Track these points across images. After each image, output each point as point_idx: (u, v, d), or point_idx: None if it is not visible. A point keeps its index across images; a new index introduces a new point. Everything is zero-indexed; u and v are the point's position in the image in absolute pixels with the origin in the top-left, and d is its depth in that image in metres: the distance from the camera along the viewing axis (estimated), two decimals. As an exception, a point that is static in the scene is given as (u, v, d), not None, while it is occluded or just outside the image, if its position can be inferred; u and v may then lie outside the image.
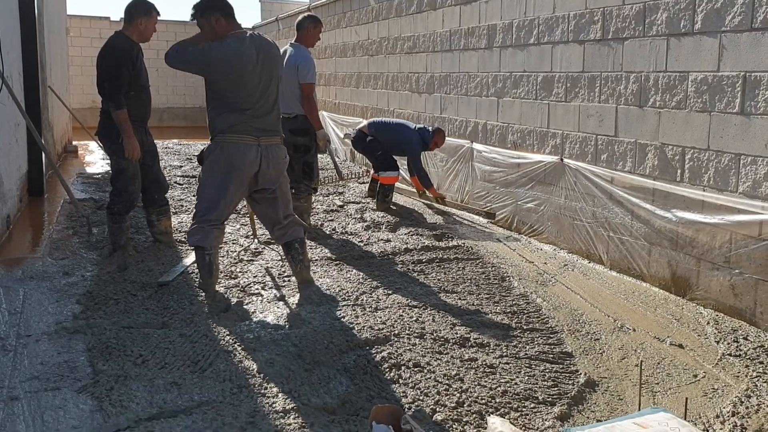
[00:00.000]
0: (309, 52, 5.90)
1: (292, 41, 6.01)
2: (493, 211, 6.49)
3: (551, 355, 3.49)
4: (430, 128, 7.02)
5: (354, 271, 4.83)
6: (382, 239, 5.72)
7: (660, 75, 4.49)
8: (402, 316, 3.93)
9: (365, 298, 4.24)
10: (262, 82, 3.97)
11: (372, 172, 7.55)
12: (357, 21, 10.37)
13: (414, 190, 7.66)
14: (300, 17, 6.05)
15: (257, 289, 4.39)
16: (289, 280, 4.56)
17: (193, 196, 7.41)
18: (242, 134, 3.96)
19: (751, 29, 3.83)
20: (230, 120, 3.96)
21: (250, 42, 3.95)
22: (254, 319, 3.86)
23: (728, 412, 2.95)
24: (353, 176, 8.68)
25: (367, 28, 9.97)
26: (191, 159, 10.57)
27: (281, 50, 6.00)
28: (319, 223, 6.27)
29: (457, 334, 3.67)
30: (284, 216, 4.24)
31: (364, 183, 8.37)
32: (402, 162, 7.42)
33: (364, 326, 3.73)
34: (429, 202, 7.32)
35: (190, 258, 4.91)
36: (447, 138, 7.19)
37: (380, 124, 7.17)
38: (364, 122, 7.37)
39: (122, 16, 5.09)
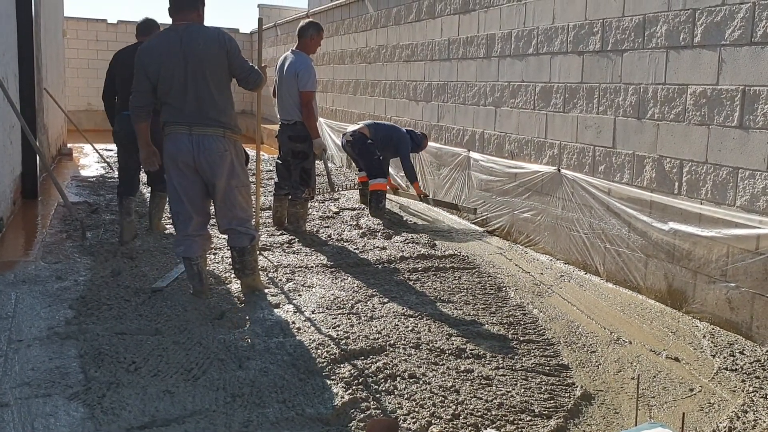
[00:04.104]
0: (310, 60, 5.89)
1: (294, 48, 5.99)
2: (473, 208, 6.73)
3: (547, 368, 3.47)
4: (417, 132, 7.44)
5: (349, 279, 4.80)
6: (377, 247, 5.70)
7: (659, 87, 4.49)
8: (397, 325, 3.90)
9: (360, 307, 4.21)
10: (188, 73, 3.94)
11: (359, 174, 7.63)
12: (355, 28, 10.37)
13: (413, 193, 7.65)
14: (302, 24, 6.02)
15: (251, 296, 4.35)
16: (283, 287, 4.54)
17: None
18: (175, 125, 4.00)
19: (751, 43, 3.84)
20: (166, 113, 4.04)
21: (173, 36, 3.96)
22: (248, 327, 3.83)
23: (725, 428, 2.94)
24: (348, 185, 8.65)
25: (365, 36, 9.97)
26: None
27: (282, 57, 6.01)
28: (315, 229, 6.25)
29: (453, 344, 3.65)
30: (227, 222, 4.19)
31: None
32: (398, 169, 7.49)
33: (359, 336, 3.71)
34: (412, 199, 7.55)
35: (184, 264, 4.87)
36: (443, 146, 7.33)
37: (377, 126, 7.37)
38: (358, 125, 7.39)
39: (135, 25, 5.80)
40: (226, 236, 4.38)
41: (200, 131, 3.96)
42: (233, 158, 4.06)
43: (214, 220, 4.32)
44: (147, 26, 5.57)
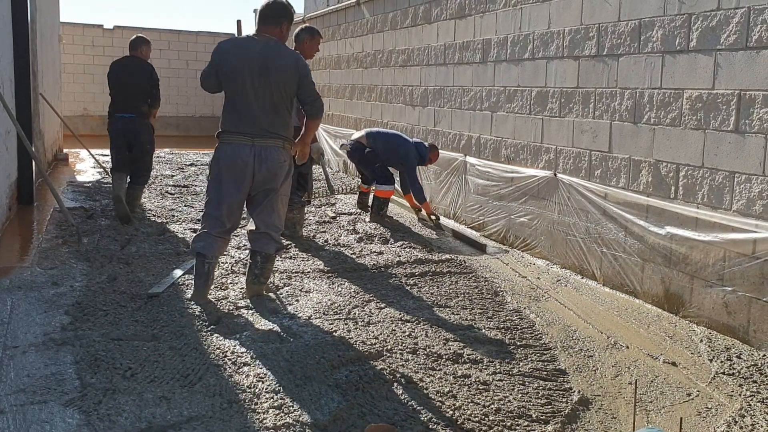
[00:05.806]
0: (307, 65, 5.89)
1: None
2: (485, 245, 6.10)
3: (545, 372, 3.46)
4: (425, 143, 7.07)
5: (346, 283, 4.79)
6: (374, 251, 5.70)
7: (655, 92, 4.50)
8: (395, 330, 3.90)
9: (357, 312, 4.20)
10: (259, 83, 4.04)
11: (360, 184, 7.55)
12: (352, 33, 10.39)
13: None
14: (297, 29, 6.05)
15: (248, 301, 4.34)
16: (280, 293, 4.53)
17: (185, 206, 7.38)
18: (236, 134, 4.09)
19: (746, 48, 3.85)
20: (227, 118, 4.14)
21: (256, 45, 4.09)
22: (245, 333, 3.81)
23: (722, 432, 2.94)
24: (345, 190, 8.66)
25: (361, 41, 9.98)
26: (183, 168, 10.53)
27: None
28: (312, 234, 6.24)
29: (450, 349, 3.65)
30: (265, 225, 4.25)
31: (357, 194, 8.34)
32: (397, 177, 7.35)
33: (356, 341, 3.70)
34: (424, 220, 7.14)
35: (180, 269, 4.87)
36: (440, 151, 7.23)
37: (378, 135, 7.12)
38: (359, 133, 7.33)
39: (128, 40, 7.06)
40: (249, 240, 4.40)
41: (262, 142, 4.08)
42: (289, 168, 4.24)
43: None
44: (135, 43, 6.86)
